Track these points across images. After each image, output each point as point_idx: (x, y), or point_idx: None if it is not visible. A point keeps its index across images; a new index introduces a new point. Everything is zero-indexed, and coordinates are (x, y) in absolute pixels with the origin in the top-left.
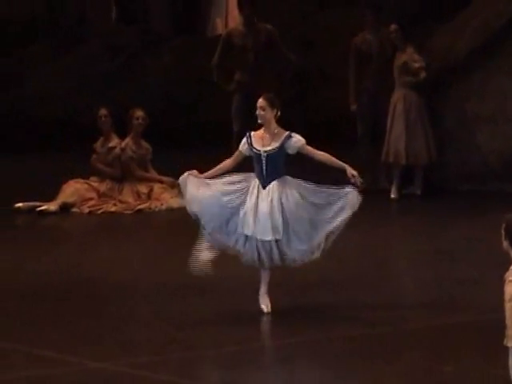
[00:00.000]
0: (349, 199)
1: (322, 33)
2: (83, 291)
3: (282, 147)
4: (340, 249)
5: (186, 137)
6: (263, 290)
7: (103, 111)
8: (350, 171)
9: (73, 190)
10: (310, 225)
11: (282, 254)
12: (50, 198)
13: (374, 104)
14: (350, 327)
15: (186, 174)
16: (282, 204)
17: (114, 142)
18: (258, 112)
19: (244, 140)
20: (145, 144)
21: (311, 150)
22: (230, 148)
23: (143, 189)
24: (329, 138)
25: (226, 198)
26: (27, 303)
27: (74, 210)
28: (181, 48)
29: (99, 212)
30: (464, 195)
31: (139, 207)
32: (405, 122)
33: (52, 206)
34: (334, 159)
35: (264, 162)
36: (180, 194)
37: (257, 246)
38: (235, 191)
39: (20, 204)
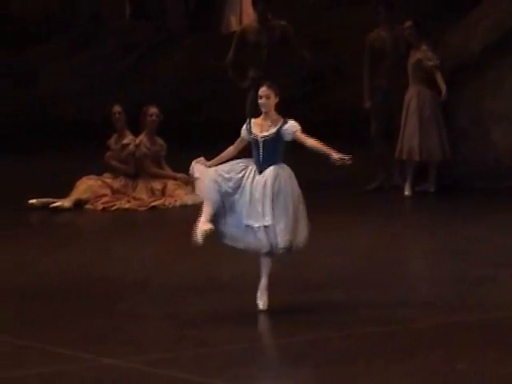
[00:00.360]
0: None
1: (335, 30)
2: (96, 289)
3: (278, 133)
4: (352, 246)
5: (199, 134)
6: (263, 283)
7: (117, 108)
8: (336, 155)
9: (86, 186)
10: (294, 215)
11: (270, 240)
12: (63, 195)
13: (388, 101)
14: (362, 325)
15: (193, 162)
16: (274, 190)
17: (128, 138)
18: (262, 101)
19: (244, 126)
20: (159, 140)
21: (303, 137)
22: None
23: (157, 185)
24: (342, 136)
25: (226, 185)
26: (40, 300)
27: (88, 206)
28: (195, 45)
29: (113, 209)
30: (478, 193)
31: (153, 204)
32: (419, 119)
33: (66, 203)
34: (321, 146)
35: (261, 147)
36: (193, 189)
37: (250, 231)
38: (234, 178)
39: (34, 200)
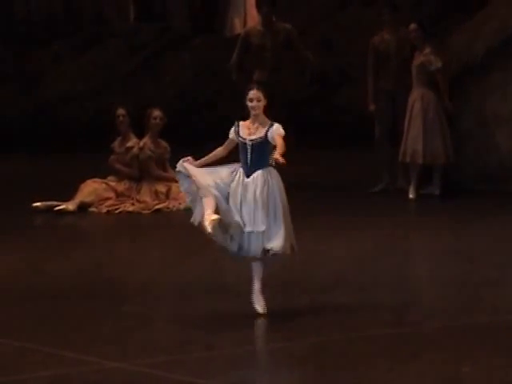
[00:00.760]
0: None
1: (340, 33)
2: (101, 291)
3: (266, 136)
4: (356, 248)
5: (204, 136)
6: (256, 287)
7: (121, 111)
8: (276, 155)
9: (91, 189)
10: (285, 219)
11: (262, 245)
12: (68, 198)
13: (392, 104)
14: (370, 328)
15: (181, 161)
16: (263, 196)
17: (132, 141)
18: (253, 103)
19: (232, 128)
20: (163, 143)
21: (278, 140)
22: None
23: (161, 188)
24: (347, 138)
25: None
26: (45, 303)
27: (92, 209)
28: (199, 48)
29: (117, 212)
30: (483, 195)
31: (157, 207)
32: (422, 121)
33: (70, 206)
34: (279, 147)
35: (249, 150)
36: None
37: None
38: (223, 184)
39: (38, 203)
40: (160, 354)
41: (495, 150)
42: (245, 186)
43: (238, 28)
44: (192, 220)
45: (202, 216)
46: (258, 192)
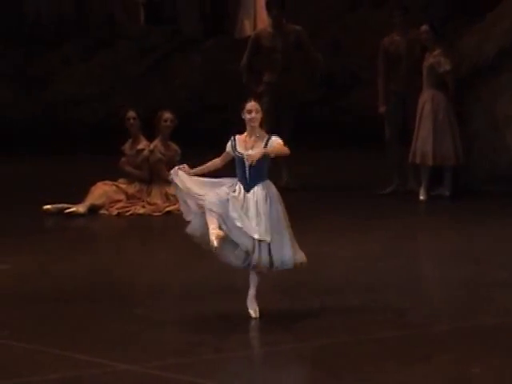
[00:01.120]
0: None
1: (350, 34)
2: (112, 293)
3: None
4: (366, 250)
5: (215, 138)
6: (251, 292)
7: (131, 113)
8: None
9: (101, 191)
10: (288, 232)
11: (269, 255)
12: (78, 200)
13: (403, 105)
14: (378, 329)
15: (176, 168)
16: (268, 207)
17: (143, 144)
18: (251, 115)
19: (229, 143)
20: (173, 146)
21: (277, 146)
22: None
23: (172, 190)
24: (357, 140)
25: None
26: (56, 305)
27: (102, 211)
28: (209, 50)
29: (127, 214)
30: (493, 197)
31: (168, 209)
32: (433, 122)
33: (80, 208)
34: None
35: (247, 165)
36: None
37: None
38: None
39: (48, 206)
40: (170, 356)
41: (505, 151)
42: (246, 200)
43: (248, 30)
44: (189, 231)
45: (202, 228)
46: (260, 205)
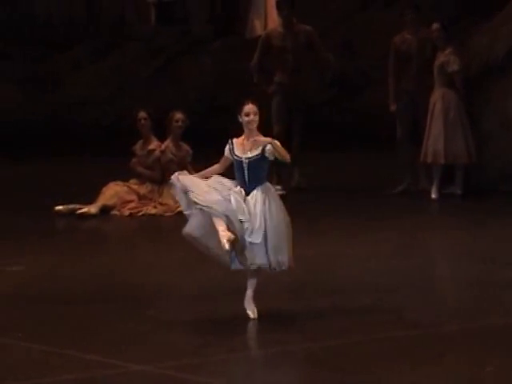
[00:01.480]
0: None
1: (362, 33)
2: (124, 294)
3: (263, 153)
4: (378, 249)
5: (224, 139)
6: (249, 294)
7: (142, 114)
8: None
9: (113, 192)
10: (286, 235)
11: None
12: (90, 201)
13: (414, 104)
14: (391, 329)
15: (176, 174)
16: (265, 211)
17: (154, 144)
18: (250, 118)
19: (227, 147)
20: (185, 146)
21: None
22: None
23: None
24: (369, 139)
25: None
26: (67, 307)
27: (114, 212)
28: (220, 50)
29: (139, 214)
30: (505, 196)
31: (179, 209)
32: (444, 121)
33: (92, 209)
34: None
35: (246, 168)
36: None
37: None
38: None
39: (60, 207)
40: (182, 357)
41: None
42: (246, 203)
43: (259, 30)
44: (187, 231)
45: (201, 228)
46: (258, 207)
